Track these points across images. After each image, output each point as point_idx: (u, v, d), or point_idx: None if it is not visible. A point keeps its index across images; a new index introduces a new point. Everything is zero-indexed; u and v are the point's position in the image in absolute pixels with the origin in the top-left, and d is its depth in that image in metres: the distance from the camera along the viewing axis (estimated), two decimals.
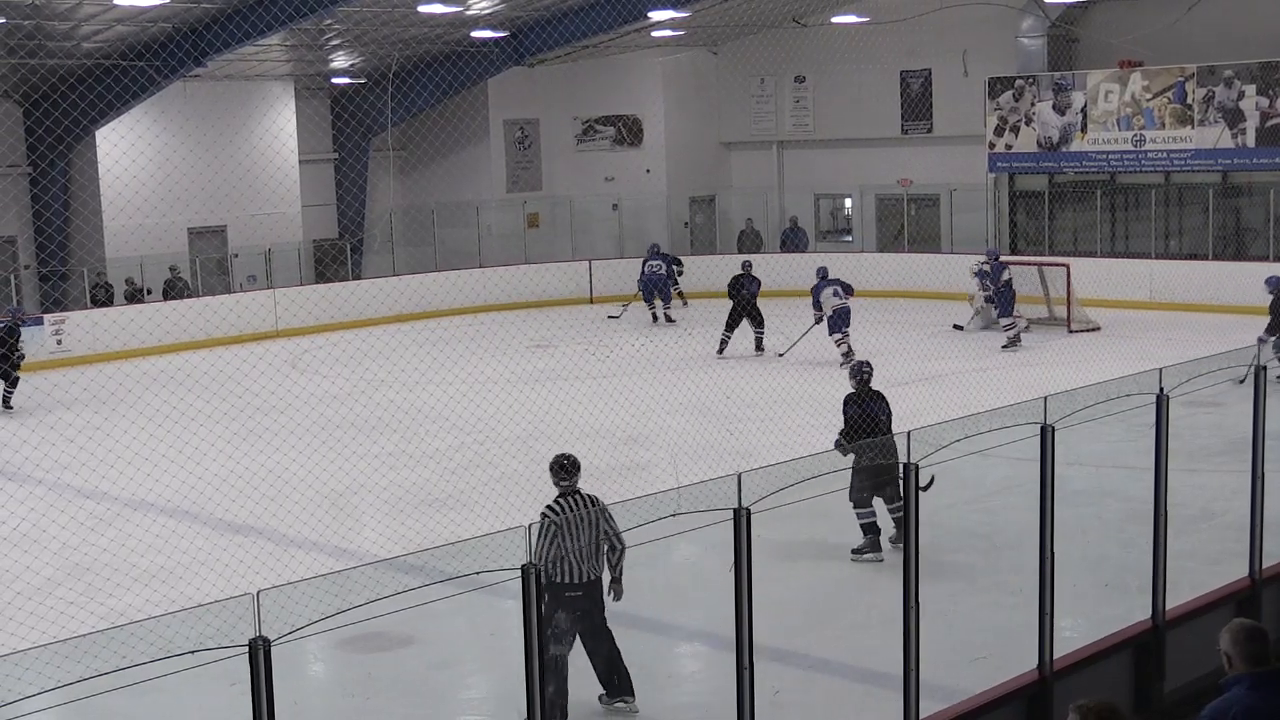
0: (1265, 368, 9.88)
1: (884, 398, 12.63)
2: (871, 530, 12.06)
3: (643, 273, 28.06)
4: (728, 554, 6.86)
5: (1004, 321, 23.88)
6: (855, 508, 12.02)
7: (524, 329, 27.30)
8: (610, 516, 9.02)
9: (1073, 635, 8.98)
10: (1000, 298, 23.97)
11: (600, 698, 9.07)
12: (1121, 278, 27.39)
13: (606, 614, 8.97)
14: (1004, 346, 23.40)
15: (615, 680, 9.09)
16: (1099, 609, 9.80)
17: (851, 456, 11.32)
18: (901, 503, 11.52)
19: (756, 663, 6.97)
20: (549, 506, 9.01)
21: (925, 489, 11.56)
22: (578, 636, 8.97)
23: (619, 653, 9.07)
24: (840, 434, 12.29)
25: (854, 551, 12.09)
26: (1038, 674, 8.34)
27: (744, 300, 23.77)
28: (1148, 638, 9.05)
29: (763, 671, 7.11)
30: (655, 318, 27.77)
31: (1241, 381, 12.06)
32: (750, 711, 6.96)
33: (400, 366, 22.45)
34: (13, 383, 21.40)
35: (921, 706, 7.68)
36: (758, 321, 23.82)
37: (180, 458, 16.73)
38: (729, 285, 24.35)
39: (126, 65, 27.28)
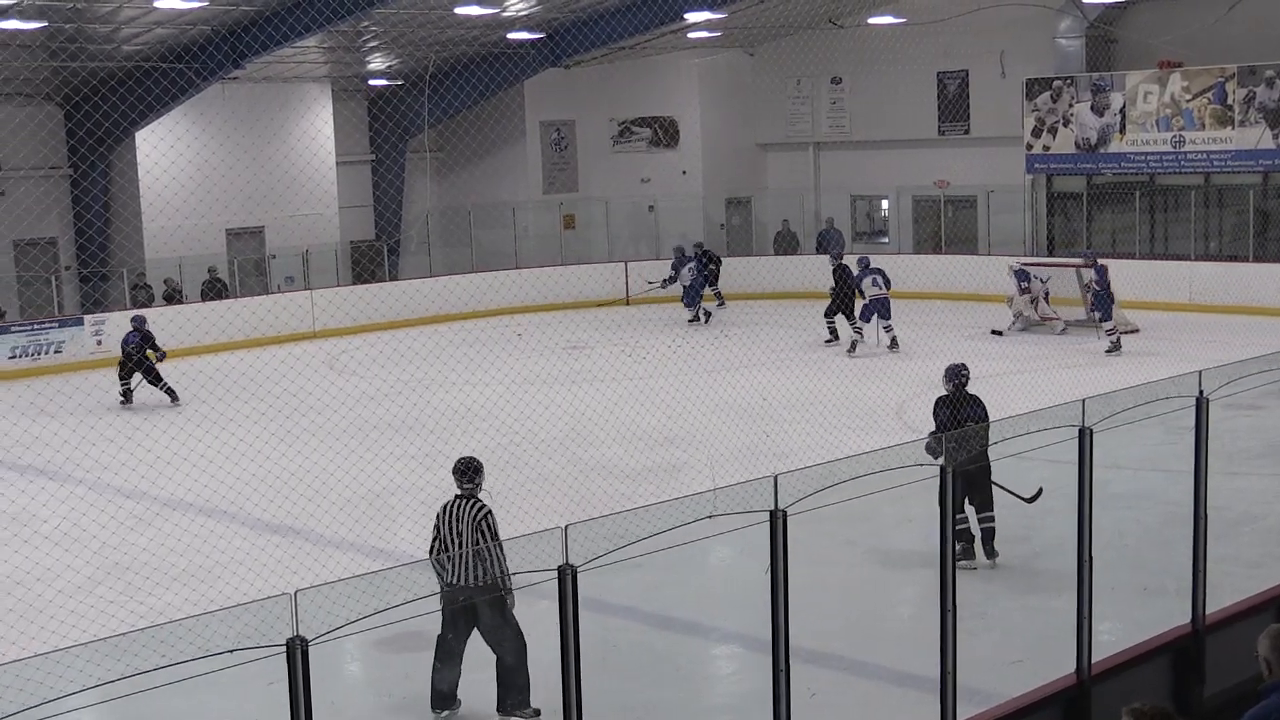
0: None
1: (979, 401, 12.31)
2: (963, 537, 11.54)
3: (686, 276, 28.15)
4: (764, 556, 6.84)
5: (1106, 325, 23.17)
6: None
7: (560, 330, 27.30)
8: (492, 536, 9.08)
9: (1111, 639, 8.92)
10: (1100, 300, 23.30)
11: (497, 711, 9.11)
12: (1161, 279, 27.20)
13: (519, 624, 9.00)
14: (1107, 351, 22.66)
15: (503, 697, 9.06)
16: (1138, 613, 9.74)
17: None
18: (991, 514, 11.73)
19: (793, 665, 6.94)
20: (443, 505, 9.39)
21: (1032, 500, 11.56)
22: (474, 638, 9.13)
23: (516, 667, 9.02)
24: (930, 435, 12.17)
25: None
26: (1075, 678, 8.29)
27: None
28: (1187, 642, 8.98)
29: (799, 673, 7.07)
30: (696, 317, 27.91)
31: None
32: (787, 713, 6.93)
33: (437, 367, 22.50)
34: (155, 379, 21.46)
35: (959, 710, 7.65)
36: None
37: (218, 458, 16.80)
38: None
39: (166, 68, 27.42)
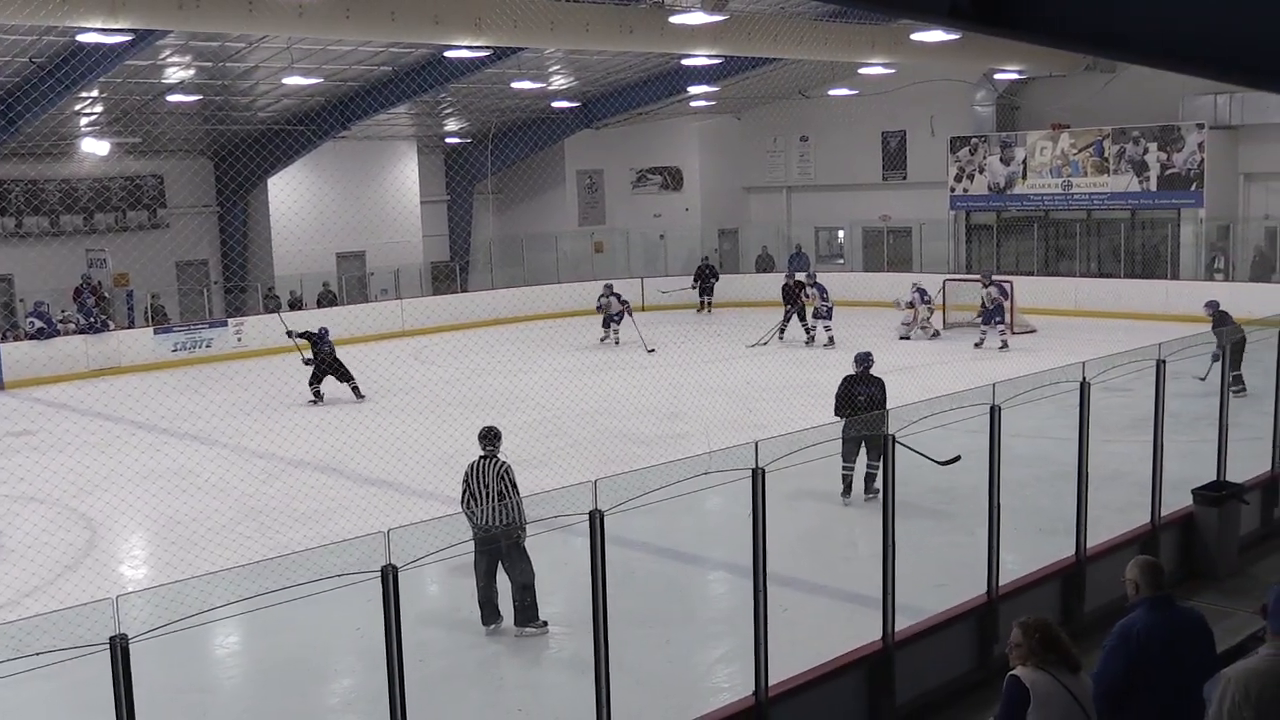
0: (1164, 361, 9.78)
1: (879, 381, 12.41)
2: (844, 481, 12.12)
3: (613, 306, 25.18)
4: (747, 503, 6.85)
5: (999, 328, 22.60)
6: (843, 463, 12.00)
7: (591, 331, 27.29)
8: (512, 486, 9.03)
9: (1014, 568, 8.90)
10: (995, 310, 22.72)
11: (514, 623, 9.07)
12: (1053, 292, 27.12)
13: (530, 555, 8.96)
14: (999, 348, 22.26)
15: (518, 612, 9.03)
16: (1034, 548, 9.72)
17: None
18: (878, 464, 11.59)
19: (769, 587, 6.97)
20: (470, 463, 9.25)
21: (946, 464, 11.33)
22: (500, 566, 9.03)
23: (526, 588, 8.98)
24: (835, 409, 12.28)
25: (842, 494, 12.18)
26: (986, 597, 8.29)
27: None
28: (1072, 570, 8.99)
29: (773, 594, 7.09)
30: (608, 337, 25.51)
31: (1203, 379, 11.79)
32: (765, 624, 6.95)
33: (497, 359, 22.49)
34: (344, 379, 19.52)
35: (896, 621, 7.65)
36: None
37: (330, 427, 16.83)
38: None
39: (291, 129, 27.48)
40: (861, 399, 12.21)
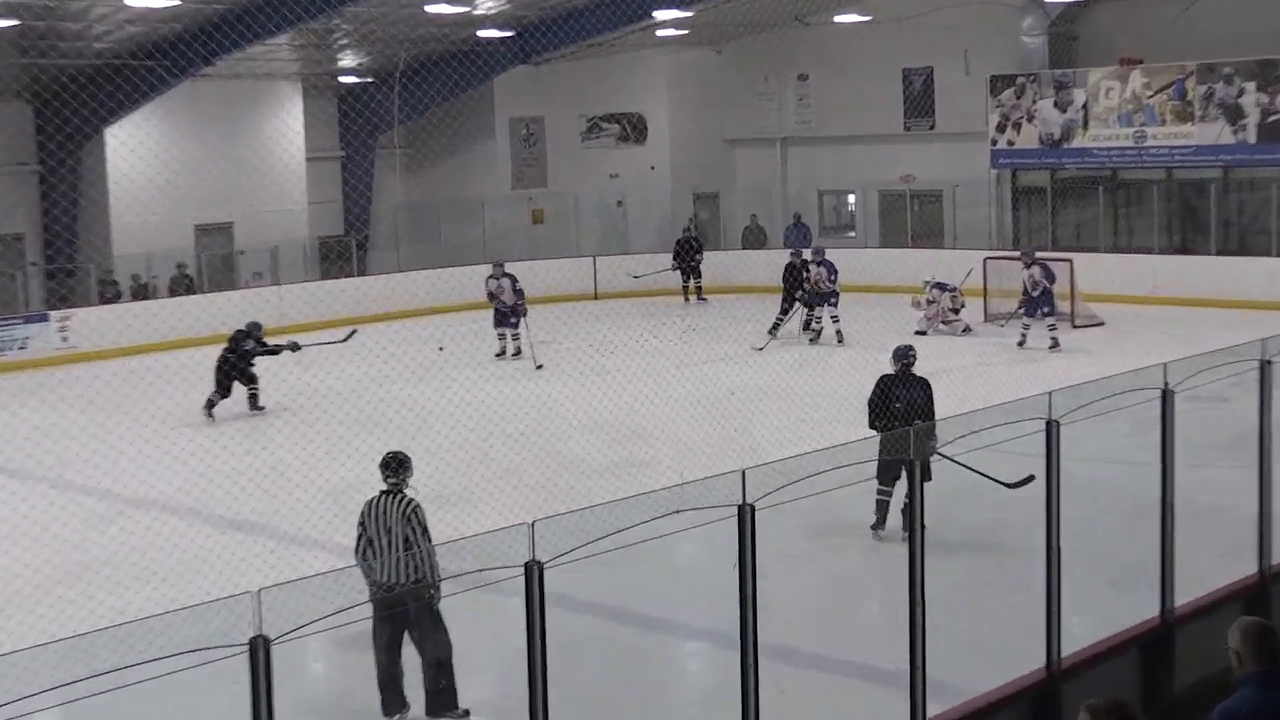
0: (1270, 362, 9.79)
1: (925, 382, 12.62)
2: (881, 509, 12.23)
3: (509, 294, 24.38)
4: (732, 551, 6.77)
5: (1048, 321, 22.94)
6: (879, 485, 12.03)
7: (528, 324, 27.17)
8: (422, 530, 8.98)
9: (1081, 633, 8.88)
10: (1044, 297, 23.05)
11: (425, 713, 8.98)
12: (1124, 273, 27.29)
13: (445, 623, 8.87)
14: (1049, 348, 22.51)
15: (430, 697, 8.95)
16: (1107, 606, 9.72)
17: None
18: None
19: (761, 661, 6.88)
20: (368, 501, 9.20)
21: (1016, 486, 11.17)
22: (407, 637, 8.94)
23: (441, 665, 8.92)
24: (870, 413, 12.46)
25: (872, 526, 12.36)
26: (1046, 672, 8.27)
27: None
28: (1156, 635, 8.97)
29: (767, 670, 7.00)
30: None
31: None
32: (755, 710, 6.87)
33: (405, 363, 22.36)
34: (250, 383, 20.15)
35: (928, 706, 7.60)
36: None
37: (183, 454, 16.64)
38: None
39: (136, 65, 27.29)
40: (899, 406, 12.31)
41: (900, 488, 11.98)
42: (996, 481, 11.48)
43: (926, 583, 7.57)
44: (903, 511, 11.88)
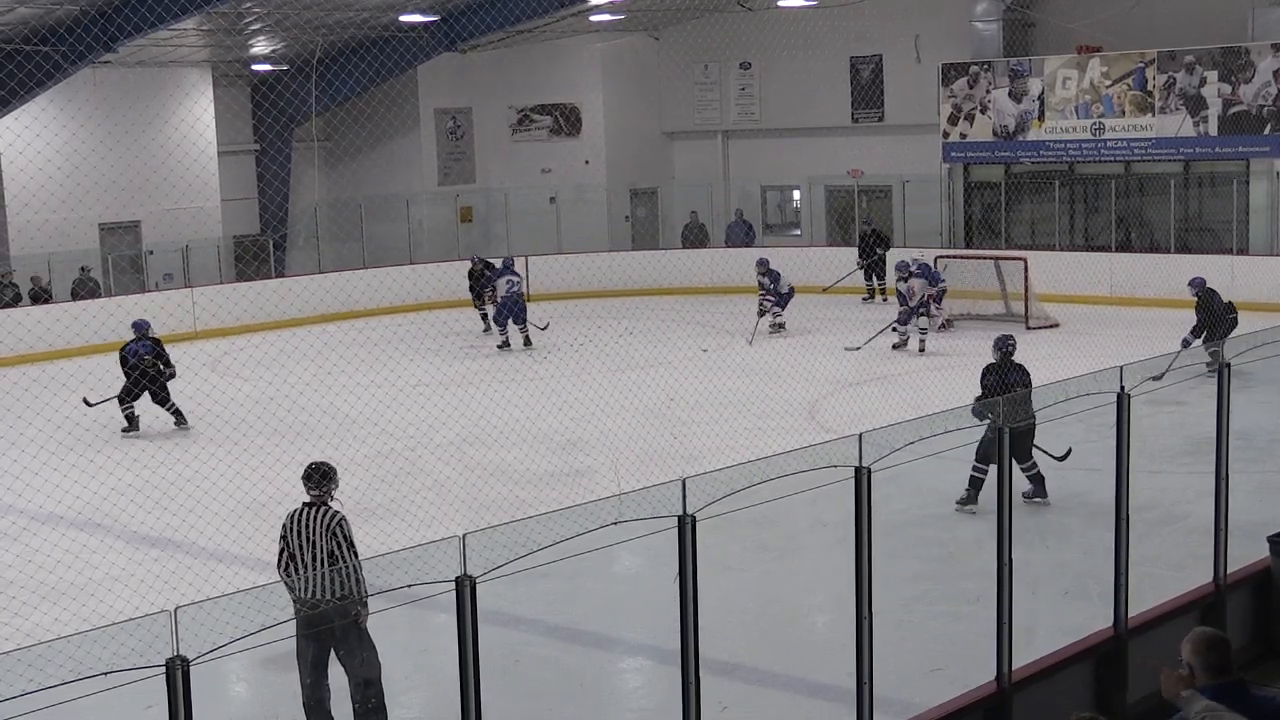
0: (1229, 365, 9.97)
1: (1024, 369, 14.08)
2: (975, 485, 13.34)
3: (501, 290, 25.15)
4: (672, 563, 6.86)
5: (921, 324, 23.46)
6: (976, 461, 13.17)
7: (460, 326, 27.16)
8: (348, 544, 9.09)
9: (1032, 644, 9.02)
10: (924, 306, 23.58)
11: None
12: (1081, 272, 27.52)
13: (373, 641, 8.90)
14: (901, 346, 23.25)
15: (362, 716, 8.97)
16: (1059, 617, 9.86)
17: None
18: (1032, 463, 13.36)
19: (703, 677, 6.96)
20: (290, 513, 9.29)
21: (1062, 459, 13.30)
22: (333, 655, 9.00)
23: (369, 685, 8.96)
24: (976, 399, 13.10)
25: (958, 501, 13.48)
26: (996, 685, 8.37)
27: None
28: (1109, 646, 9.10)
29: (709, 687, 7.10)
30: (507, 344, 25.04)
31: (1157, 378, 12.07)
32: None
33: (326, 369, 22.31)
34: (164, 399, 19.48)
35: None
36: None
37: (92, 467, 16.51)
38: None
39: (30, 50, 26.96)
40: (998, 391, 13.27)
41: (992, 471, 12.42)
42: (1048, 454, 13.30)
43: (875, 596, 7.68)
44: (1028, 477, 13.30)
